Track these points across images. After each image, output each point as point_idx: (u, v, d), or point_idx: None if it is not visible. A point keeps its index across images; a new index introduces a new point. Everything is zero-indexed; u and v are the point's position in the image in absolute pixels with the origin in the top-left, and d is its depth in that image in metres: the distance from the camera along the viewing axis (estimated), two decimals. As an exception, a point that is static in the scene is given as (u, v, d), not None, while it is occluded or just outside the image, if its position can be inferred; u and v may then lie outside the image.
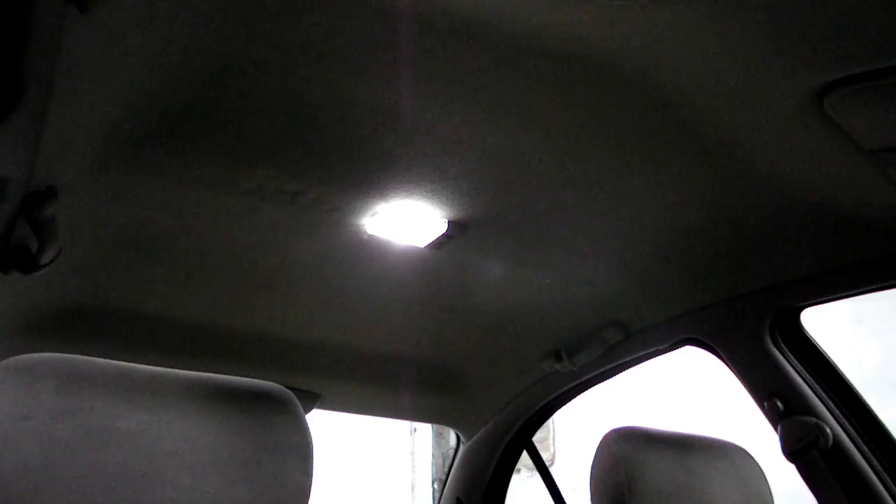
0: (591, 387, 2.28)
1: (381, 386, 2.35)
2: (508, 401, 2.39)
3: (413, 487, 7.24)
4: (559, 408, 2.41)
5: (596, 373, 2.20)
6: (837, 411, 1.74)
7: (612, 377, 2.23)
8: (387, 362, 2.26)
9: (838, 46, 1.14)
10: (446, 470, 2.69)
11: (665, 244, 1.74)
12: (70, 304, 1.86)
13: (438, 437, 6.93)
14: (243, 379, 1.17)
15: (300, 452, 1.12)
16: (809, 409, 1.72)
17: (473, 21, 1.17)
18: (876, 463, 1.68)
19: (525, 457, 2.52)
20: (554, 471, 2.60)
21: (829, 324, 3.51)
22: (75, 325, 1.90)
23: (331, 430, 4.67)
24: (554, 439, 6.11)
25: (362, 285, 1.91)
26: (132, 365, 1.10)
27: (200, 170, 1.48)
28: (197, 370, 1.17)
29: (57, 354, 1.05)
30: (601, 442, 1.59)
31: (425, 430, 7.08)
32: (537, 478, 2.52)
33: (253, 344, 2.08)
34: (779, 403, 1.75)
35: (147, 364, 1.12)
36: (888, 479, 1.67)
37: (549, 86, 1.31)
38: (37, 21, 0.96)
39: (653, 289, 1.91)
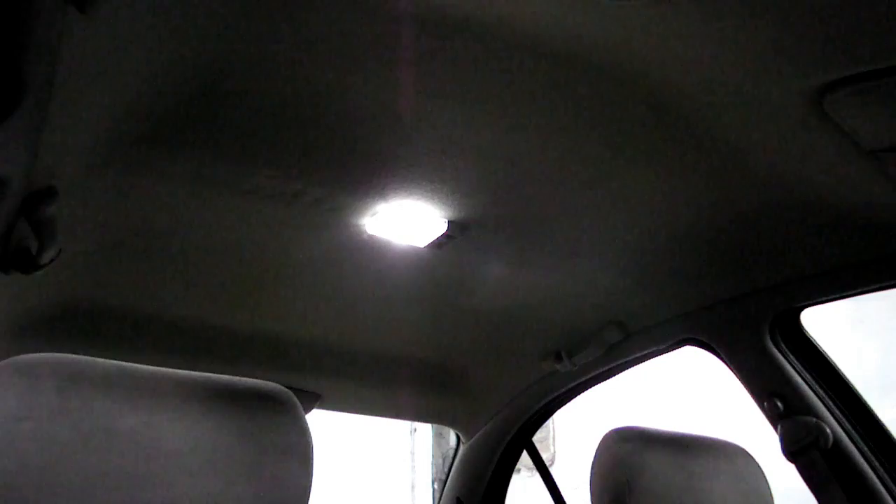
0: (591, 387, 2.28)
1: (381, 386, 2.35)
2: (508, 401, 2.39)
3: (413, 487, 7.24)
4: (559, 408, 2.41)
5: (596, 373, 2.20)
6: (837, 411, 1.74)
7: (612, 377, 2.23)
8: (387, 362, 2.26)
9: (838, 46, 1.14)
10: (446, 470, 2.69)
11: (665, 244, 1.74)
12: (70, 304, 1.86)
13: (438, 437, 6.93)
14: (243, 379, 1.17)
15: (300, 452, 1.12)
16: (809, 409, 1.72)
17: (473, 21, 1.17)
18: (876, 463, 1.68)
19: (525, 457, 2.53)
20: (554, 471, 2.60)
21: (829, 324, 3.51)
22: (75, 325, 1.90)
23: (331, 430, 4.66)
24: (554, 439, 6.11)
25: (362, 285, 1.91)
26: (132, 365, 1.10)
27: (200, 170, 1.48)
28: (197, 370, 1.17)
29: (57, 354, 1.05)
30: (601, 442, 1.59)
31: (425, 430, 7.08)
32: (537, 478, 2.52)
33: (253, 344, 2.08)
34: (779, 403, 1.75)
35: (147, 364, 1.12)
36: (888, 479, 1.67)
37: (548, 86, 1.31)
38: (37, 21, 0.96)
39: (653, 289, 1.91)
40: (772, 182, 1.50)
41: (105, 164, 1.43)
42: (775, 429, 1.76)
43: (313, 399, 2.32)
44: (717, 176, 1.51)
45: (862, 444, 1.70)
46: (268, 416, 1.12)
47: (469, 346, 2.23)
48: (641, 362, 2.13)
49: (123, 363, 1.09)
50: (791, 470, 1.74)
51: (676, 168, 1.50)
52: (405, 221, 1.66)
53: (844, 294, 1.71)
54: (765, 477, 1.69)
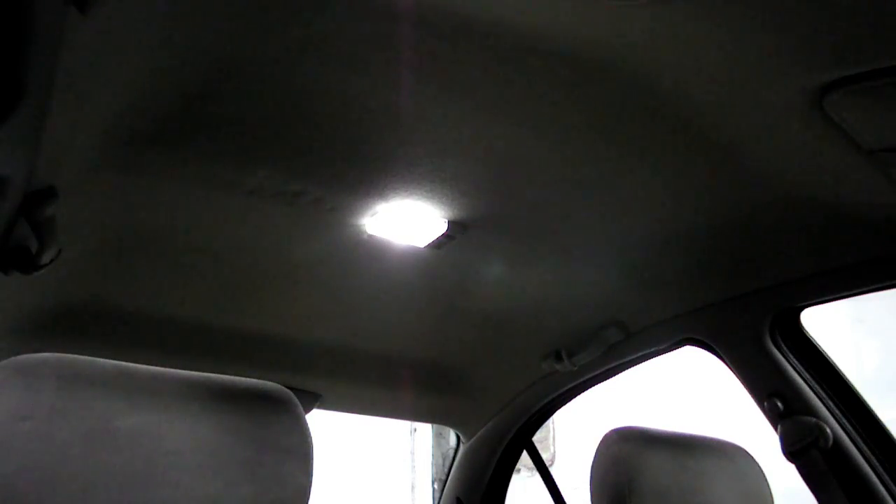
0: (591, 387, 2.28)
1: (381, 386, 2.35)
2: (508, 401, 2.39)
3: (413, 487, 7.24)
4: (559, 408, 2.41)
5: (596, 373, 2.20)
6: (837, 411, 1.74)
7: (612, 377, 2.23)
8: (387, 362, 2.25)
9: (838, 46, 1.14)
10: (446, 470, 2.69)
11: (665, 244, 1.74)
12: (70, 304, 1.86)
13: (438, 437, 6.93)
14: (243, 379, 1.17)
15: (300, 452, 1.12)
16: (809, 409, 1.72)
17: (473, 21, 1.17)
18: (876, 463, 1.68)
19: (525, 457, 2.53)
20: (554, 471, 2.60)
21: (829, 324, 3.51)
22: (75, 325, 1.90)
23: (331, 430, 4.66)
24: (554, 439, 6.11)
25: (362, 285, 1.91)
26: (132, 365, 1.10)
27: (200, 170, 1.49)
28: (197, 370, 1.17)
29: (57, 354, 1.05)
30: (601, 442, 1.59)
31: (425, 430, 7.07)
32: (537, 478, 2.52)
33: (253, 344, 2.08)
34: (779, 403, 1.75)
35: (147, 364, 1.12)
36: (888, 479, 1.67)
37: (549, 86, 1.31)
38: (37, 21, 0.96)
39: (653, 289, 1.91)
40: (772, 182, 1.50)
41: (105, 164, 1.43)
42: (775, 429, 1.76)
43: (313, 399, 2.32)
44: (717, 176, 1.51)
45: (862, 444, 1.70)
46: (268, 416, 1.12)
47: (469, 346, 2.23)
48: (641, 362, 2.13)
49: (123, 363, 1.09)
50: (791, 470, 1.74)
51: (676, 168, 1.50)
52: (405, 221, 1.66)
53: (844, 294, 1.71)
54: (765, 477, 1.69)
